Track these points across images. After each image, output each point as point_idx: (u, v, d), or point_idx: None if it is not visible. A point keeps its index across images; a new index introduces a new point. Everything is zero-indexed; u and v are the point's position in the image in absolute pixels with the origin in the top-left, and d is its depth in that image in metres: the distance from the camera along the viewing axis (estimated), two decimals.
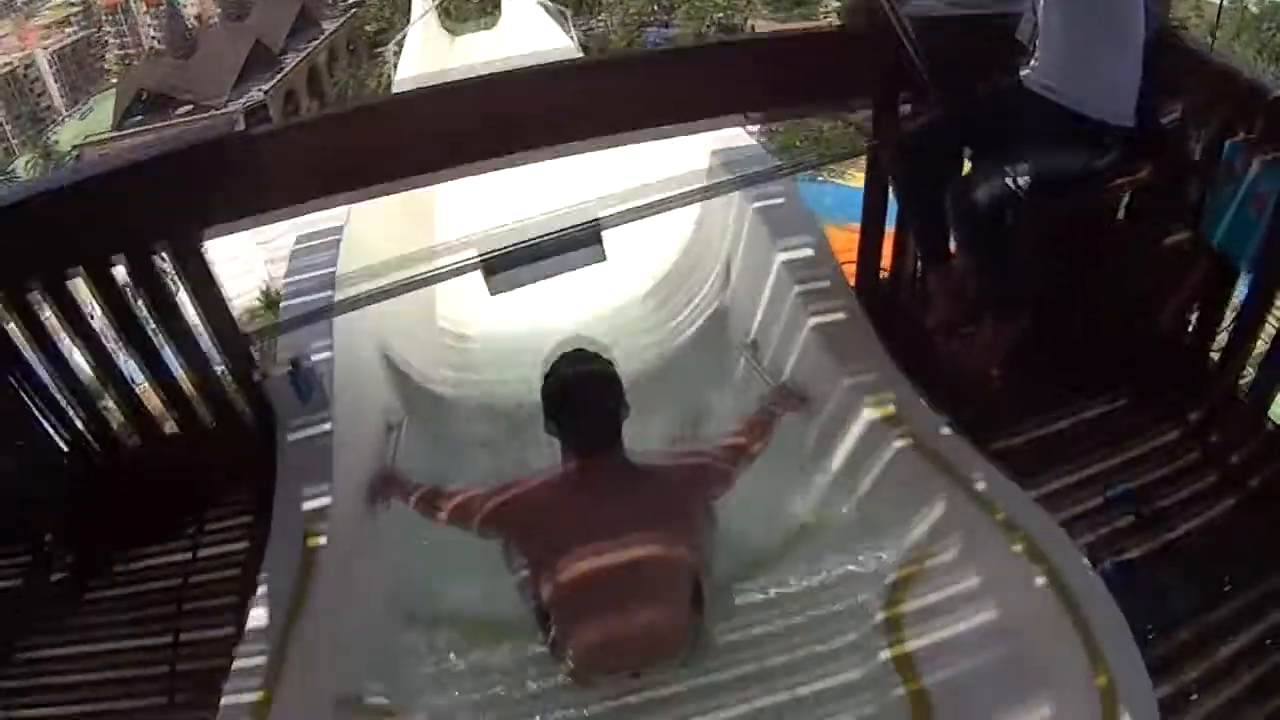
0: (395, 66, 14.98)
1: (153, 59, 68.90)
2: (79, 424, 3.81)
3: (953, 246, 3.39)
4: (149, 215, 3.31)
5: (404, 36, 15.76)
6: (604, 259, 3.08)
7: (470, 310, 5.93)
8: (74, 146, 61.41)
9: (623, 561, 2.99)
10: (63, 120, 69.55)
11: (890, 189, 3.64)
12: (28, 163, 60.95)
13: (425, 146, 3.06)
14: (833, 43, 3.67)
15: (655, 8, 67.43)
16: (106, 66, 74.74)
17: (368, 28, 63.66)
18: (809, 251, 4.08)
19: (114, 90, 66.02)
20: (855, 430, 3.57)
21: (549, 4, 15.29)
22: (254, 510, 3.66)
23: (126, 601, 3.62)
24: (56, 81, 70.95)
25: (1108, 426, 3.64)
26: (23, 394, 3.57)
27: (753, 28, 64.76)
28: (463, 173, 3.38)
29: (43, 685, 3.38)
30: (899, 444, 3.37)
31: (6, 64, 69.01)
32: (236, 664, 2.87)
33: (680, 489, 3.18)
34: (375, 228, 5.23)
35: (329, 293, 4.18)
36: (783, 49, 3.74)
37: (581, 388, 3.12)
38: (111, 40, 77.08)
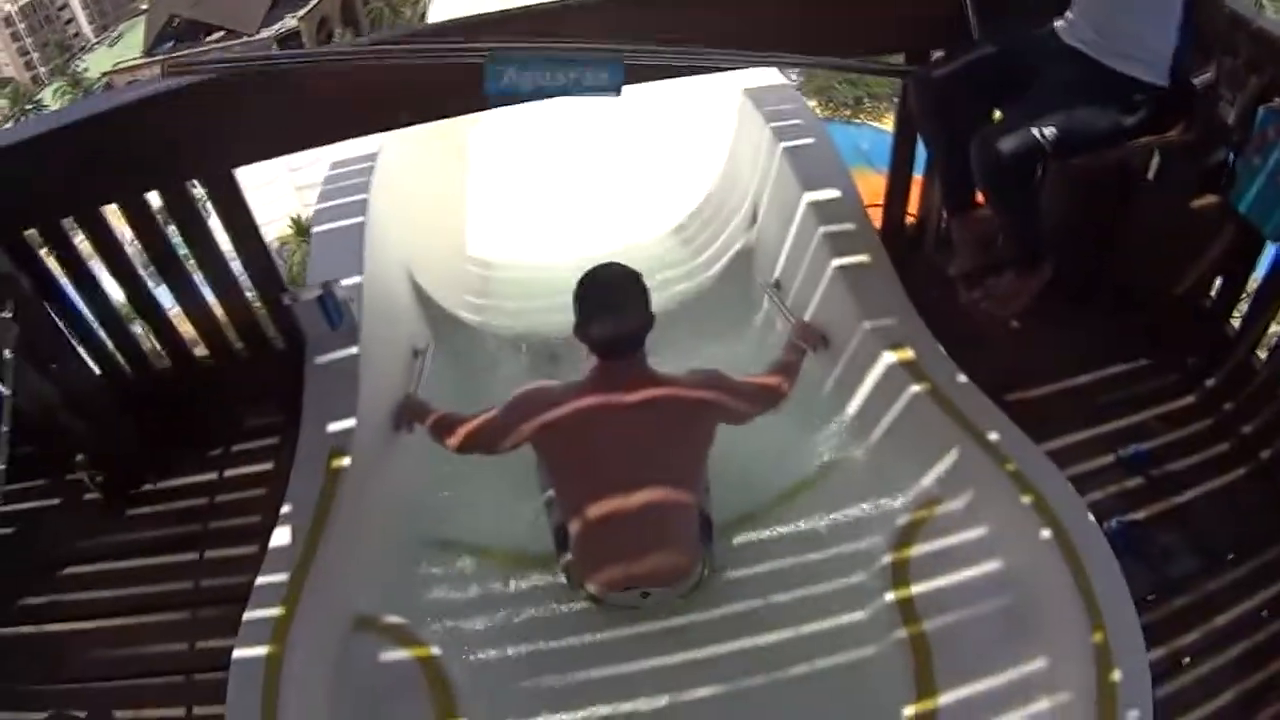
0: None
1: None
2: (111, 348, 3.90)
3: (979, 195, 3.38)
4: (181, 144, 3.34)
5: None
6: (619, 91, 3.01)
7: (498, 241, 5.97)
8: (103, 74, 61.36)
9: (639, 490, 3.07)
10: (91, 48, 69.66)
11: (919, 134, 3.61)
12: (56, 90, 60.97)
13: (457, 78, 3.05)
14: None
15: None
16: None
17: None
18: (836, 194, 4.06)
19: (144, 17, 65.63)
20: (872, 375, 3.59)
21: None
22: (281, 432, 3.73)
23: (155, 520, 3.70)
24: (84, 8, 70.56)
25: (1124, 386, 3.64)
26: (57, 319, 3.65)
27: None
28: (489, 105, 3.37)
29: (73, 601, 3.47)
30: (915, 390, 3.40)
31: None
32: (259, 581, 2.95)
33: (697, 407, 3.21)
34: (408, 155, 5.24)
35: (360, 219, 4.21)
36: None
37: (612, 288, 3.19)
38: None
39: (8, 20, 68.21)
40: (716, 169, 5.73)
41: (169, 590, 3.40)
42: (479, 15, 3.23)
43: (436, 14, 12.95)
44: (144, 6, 68.20)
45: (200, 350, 4.04)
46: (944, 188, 3.55)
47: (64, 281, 3.64)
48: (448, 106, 3.57)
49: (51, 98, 61.24)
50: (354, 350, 3.65)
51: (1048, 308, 3.26)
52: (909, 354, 3.50)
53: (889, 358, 3.52)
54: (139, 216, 3.51)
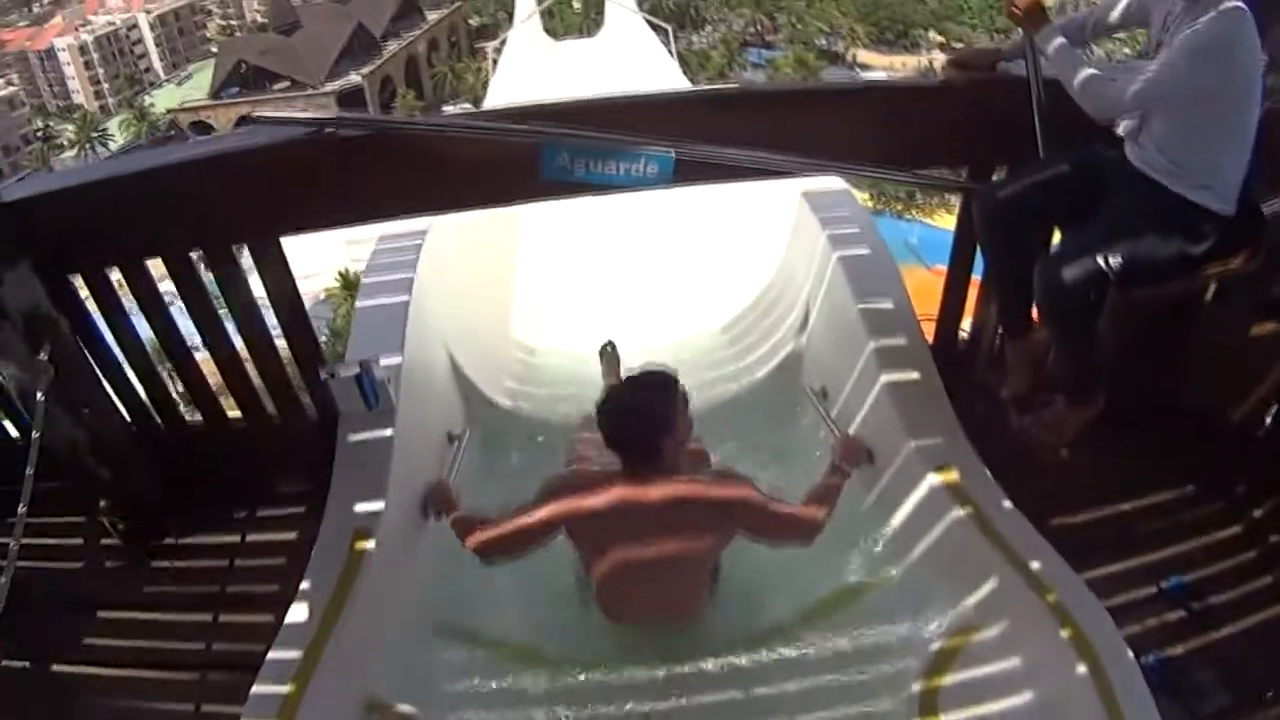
0: (495, 65, 15.09)
1: (254, 32, 71.21)
2: (144, 397, 3.90)
3: (1035, 315, 3.30)
4: (229, 209, 3.37)
5: (505, 39, 15.91)
6: (670, 182, 3.03)
7: (544, 327, 5.97)
8: (169, 111, 63.07)
9: (655, 554, 3.14)
10: (160, 84, 71.52)
11: (979, 248, 3.55)
12: (122, 122, 62.43)
13: (514, 168, 3.05)
14: (934, 96, 3.58)
15: (758, 27, 67.99)
16: (208, 35, 77.10)
17: (471, 21, 64.78)
18: (888, 305, 4.01)
19: (213, 59, 67.77)
20: (915, 495, 3.51)
21: (651, 19, 15.34)
22: (308, 502, 3.67)
23: (174, 575, 3.70)
24: (157, 45, 72.89)
25: (1169, 514, 3.58)
26: (94, 364, 3.66)
27: (854, 57, 65.33)
28: (547, 196, 3.36)
29: (86, 644, 3.47)
30: (957, 514, 3.32)
31: (110, 23, 71.20)
32: (271, 655, 2.90)
33: (719, 513, 3.20)
34: (459, 233, 5.26)
35: (405, 298, 4.17)
36: (881, 97, 3.71)
37: (628, 409, 3.21)
38: (215, 10, 79.50)
39: (83, 49, 70.30)
40: (769, 269, 5.68)
41: (180, 649, 3.39)
42: (542, 103, 3.24)
43: (498, 85, 13.27)
44: (214, 50, 70.34)
45: (234, 410, 4.01)
46: (1001, 307, 3.50)
47: (103, 327, 3.65)
48: (511, 192, 3.56)
49: (117, 128, 62.80)
50: (388, 432, 3.60)
51: (1095, 429, 3.21)
52: (953, 475, 3.42)
53: (933, 479, 3.44)
54: (182, 270, 3.54)
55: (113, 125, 64.34)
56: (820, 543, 3.34)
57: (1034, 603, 2.94)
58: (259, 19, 73.75)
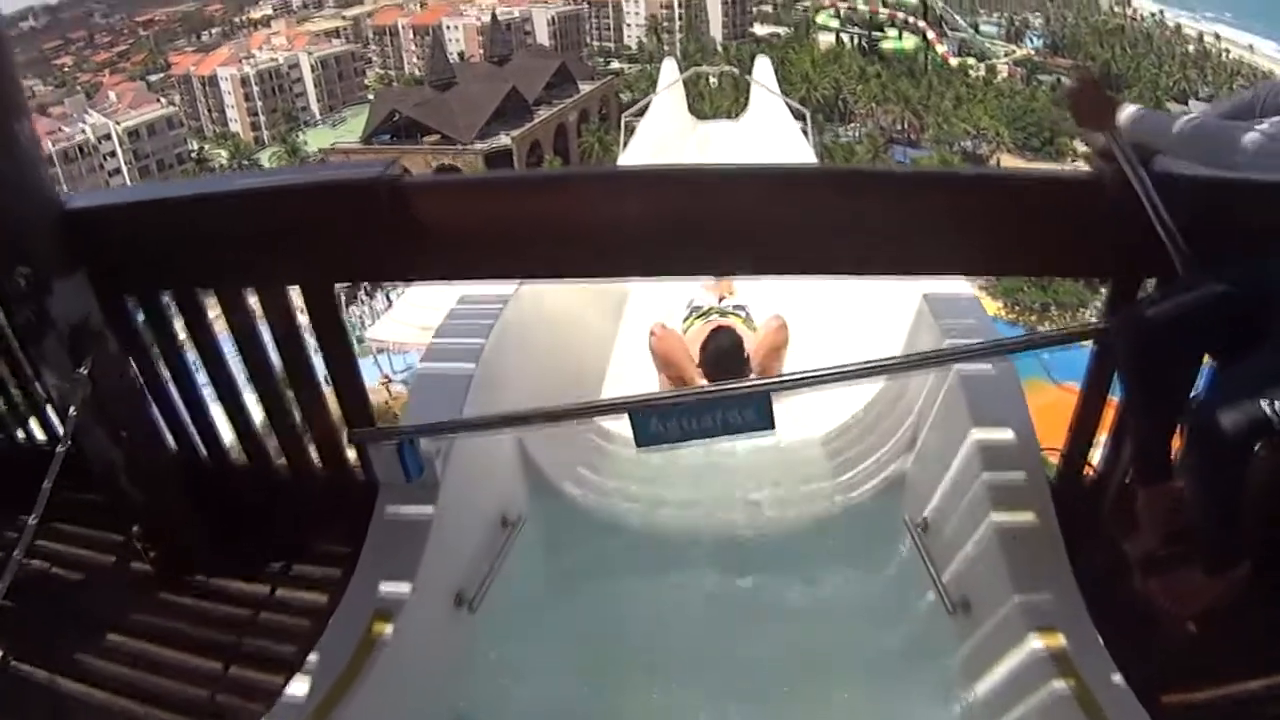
0: (632, 132, 15.02)
1: (410, 84, 74.51)
2: (193, 430, 3.75)
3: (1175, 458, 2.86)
4: (284, 248, 3.19)
5: (647, 104, 15.82)
6: (772, 428, 2.80)
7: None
8: (320, 150, 65.80)
9: None
10: (315, 123, 75.26)
11: (1117, 379, 3.11)
12: (272, 155, 65.23)
13: (610, 236, 2.77)
14: (1078, 191, 3.16)
15: (904, 125, 68.22)
16: (365, 82, 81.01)
17: (623, 95, 66.26)
18: (1009, 435, 3.56)
19: (368, 105, 70.85)
20: (1014, 657, 3.09)
21: (791, 103, 15.11)
22: (344, 567, 3.45)
23: (194, 615, 3.52)
24: (315, 86, 77.10)
25: None
26: (147, 391, 3.55)
27: (997, 161, 64.96)
28: (647, 273, 3.07)
29: (95, 666, 3.33)
30: (1059, 685, 2.89)
31: (272, 59, 75.48)
32: None
33: None
34: (549, 300, 5.01)
35: (470, 366, 3.90)
36: (1022, 191, 3.28)
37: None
38: (374, 58, 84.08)
39: (244, 80, 74.00)
40: (880, 378, 5.16)
41: (187, 693, 3.20)
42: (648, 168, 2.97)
43: (632, 152, 13.20)
44: (370, 97, 73.28)
45: (281, 459, 3.84)
46: (1137, 449, 3.05)
47: (160, 356, 3.56)
48: (593, 265, 3.30)
49: (267, 160, 65.62)
50: (428, 510, 3.36)
51: (1232, 606, 2.82)
52: (1059, 640, 2.99)
53: (1035, 641, 3.02)
54: (235, 305, 3.39)
55: (264, 156, 67.08)
56: (904, 694, 3.04)
57: None
58: (417, 73, 76.39)
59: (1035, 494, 3.37)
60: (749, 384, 2.91)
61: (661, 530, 4.25)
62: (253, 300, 3.40)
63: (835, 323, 6.08)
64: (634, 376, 5.97)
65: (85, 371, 3.11)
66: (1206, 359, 2.78)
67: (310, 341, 3.48)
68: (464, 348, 4.02)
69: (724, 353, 5.32)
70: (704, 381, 5.13)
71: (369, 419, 3.56)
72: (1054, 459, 3.61)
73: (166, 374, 3.59)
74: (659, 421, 2.89)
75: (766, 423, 2.86)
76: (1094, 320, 3.35)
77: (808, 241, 2.93)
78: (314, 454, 3.76)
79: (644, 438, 2.91)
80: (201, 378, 3.68)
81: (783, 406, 5.55)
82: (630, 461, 4.84)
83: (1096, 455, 3.59)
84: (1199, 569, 2.80)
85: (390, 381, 20.77)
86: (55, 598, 3.58)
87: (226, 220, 3.18)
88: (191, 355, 3.62)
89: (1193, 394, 2.72)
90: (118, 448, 3.35)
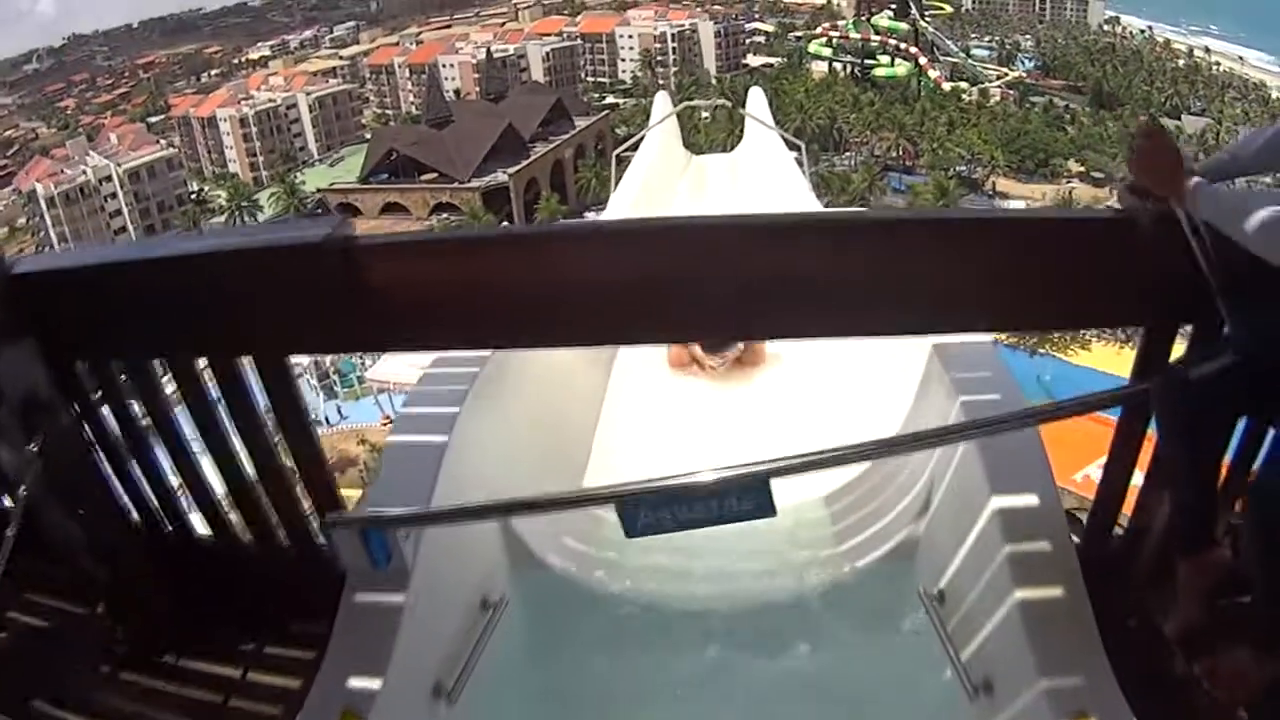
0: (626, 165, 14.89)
1: (407, 123, 76.17)
2: (156, 506, 3.56)
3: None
4: (236, 315, 3.00)
5: (640, 139, 15.68)
6: (773, 514, 2.55)
7: (620, 479, 5.25)
8: (318, 190, 67.04)
9: None
10: (313, 163, 77.07)
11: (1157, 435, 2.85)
12: (271, 195, 66.13)
13: (588, 299, 2.53)
14: (1104, 232, 2.85)
15: (899, 152, 68.68)
16: (363, 122, 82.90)
17: (618, 130, 66.98)
18: (1032, 500, 3.27)
19: (365, 144, 72.47)
20: None
21: (786, 136, 14.92)
22: (318, 650, 3.20)
23: (159, 699, 3.37)
24: (313, 126, 79.33)
25: None
26: (105, 463, 3.39)
27: (993, 185, 65.49)
28: (629, 340, 2.82)
29: None
30: None
31: (270, 100, 77.70)
32: None
33: None
34: (528, 361, 4.76)
35: (443, 439, 3.64)
36: (1035, 232, 2.99)
37: None
38: (371, 97, 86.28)
39: (243, 121, 75.73)
40: (888, 433, 4.63)
41: None
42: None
43: (626, 188, 13.05)
44: (368, 136, 74.26)
45: (247, 535, 3.63)
46: (1178, 515, 2.81)
47: (118, 430, 3.37)
48: (574, 333, 3.09)
49: (266, 200, 66.21)
50: (398, 598, 3.12)
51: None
52: None
53: None
54: (186, 374, 3.21)
55: (263, 197, 67.98)
56: None
57: None
58: (414, 110, 77.59)
59: (1062, 565, 3.10)
60: (745, 468, 2.61)
61: (656, 605, 3.99)
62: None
63: (837, 369, 5.82)
64: (626, 438, 5.75)
65: (35, 447, 2.98)
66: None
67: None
68: (436, 416, 3.77)
69: None
70: (700, 352, 6.55)
71: (332, 496, 3.32)
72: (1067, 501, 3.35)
73: (126, 444, 3.40)
74: (649, 512, 2.67)
75: (767, 511, 2.61)
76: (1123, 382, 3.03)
77: (803, 299, 2.70)
78: (281, 530, 3.54)
79: (633, 529, 2.69)
80: (163, 449, 3.48)
81: (782, 450, 5.29)
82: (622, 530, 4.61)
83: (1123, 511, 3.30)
84: (1249, 647, 2.62)
85: (391, 421, 20.69)
86: (21, 674, 3.44)
87: (174, 286, 2.99)
88: (149, 424, 3.43)
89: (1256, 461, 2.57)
90: (75, 523, 3.23)
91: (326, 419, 37.82)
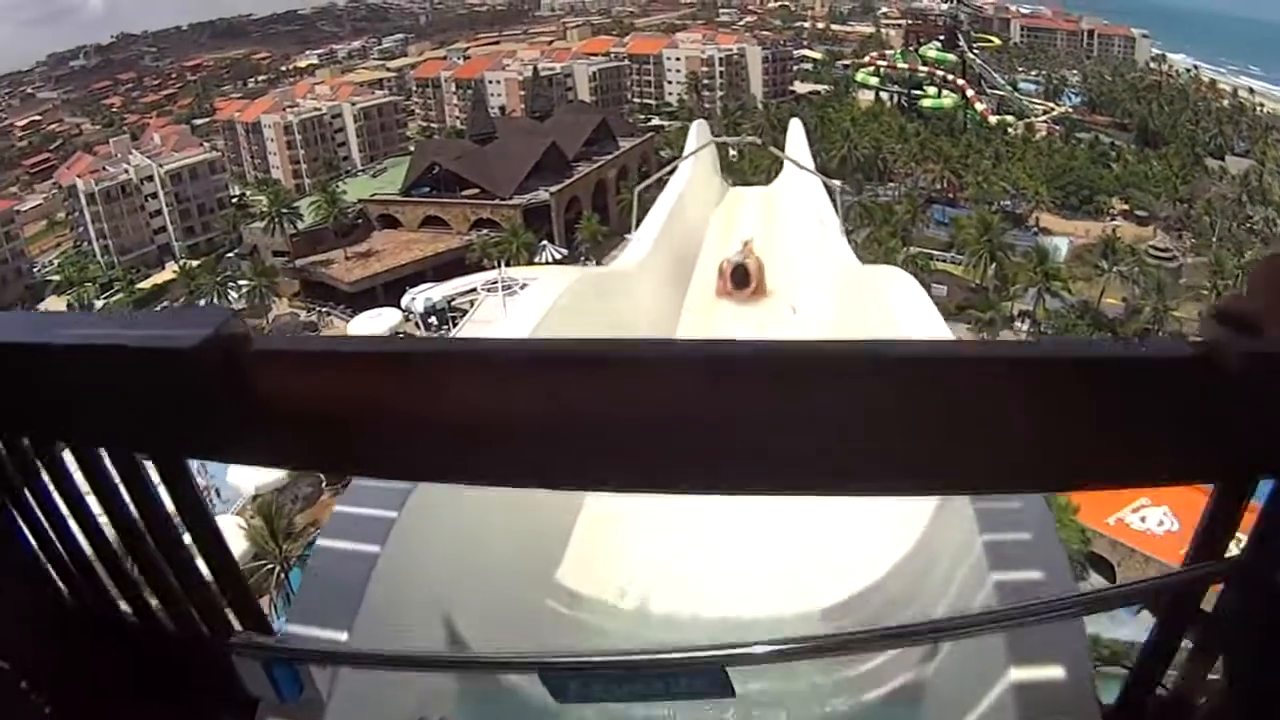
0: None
1: (451, 138, 76.36)
2: (80, 585, 3.16)
3: None
4: (133, 415, 2.53)
5: (662, 175, 15.41)
6: (731, 695, 2.01)
7: (593, 574, 4.75)
8: (359, 200, 66.41)
9: None
10: (355, 173, 76.96)
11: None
12: (312, 203, 65.76)
13: (542, 434, 1.94)
14: (1178, 374, 2.09)
15: (944, 184, 67.84)
16: (406, 134, 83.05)
17: (662, 152, 66.47)
18: (1058, 668, 2.68)
19: (408, 157, 71.90)
20: None
21: (828, 181, 14.42)
22: None
23: None
24: (357, 136, 79.22)
25: None
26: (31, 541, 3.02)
27: (1036, 220, 64.46)
28: (582, 485, 2.28)
29: None
30: None
31: (316, 109, 77.33)
32: None
33: None
34: None
35: (375, 548, 3.20)
36: (1095, 372, 2.23)
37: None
38: (417, 110, 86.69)
39: (287, 128, 75.82)
40: (902, 547, 4.28)
41: None
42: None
43: (658, 211, 12.72)
44: (411, 148, 74.19)
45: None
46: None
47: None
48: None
49: (306, 208, 65.89)
50: None
51: None
52: None
53: None
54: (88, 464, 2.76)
55: (303, 204, 67.47)
56: None
57: None
58: (459, 125, 77.30)
59: None
60: (694, 655, 2.08)
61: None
62: None
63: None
64: (598, 526, 5.25)
65: None
66: None
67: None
68: (372, 521, 3.29)
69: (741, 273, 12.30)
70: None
71: (251, 608, 2.85)
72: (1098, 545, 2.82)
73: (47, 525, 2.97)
74: (580, 685, 2.20)
75: (724, 691, 2.10)
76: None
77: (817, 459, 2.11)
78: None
79: (564, 698, 2.20)
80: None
81: (776, 566, 4.73)
82: (587, 632, 4.09)
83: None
84: None
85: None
86: None
87: (65, 371, 2.57)
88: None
89: None
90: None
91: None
